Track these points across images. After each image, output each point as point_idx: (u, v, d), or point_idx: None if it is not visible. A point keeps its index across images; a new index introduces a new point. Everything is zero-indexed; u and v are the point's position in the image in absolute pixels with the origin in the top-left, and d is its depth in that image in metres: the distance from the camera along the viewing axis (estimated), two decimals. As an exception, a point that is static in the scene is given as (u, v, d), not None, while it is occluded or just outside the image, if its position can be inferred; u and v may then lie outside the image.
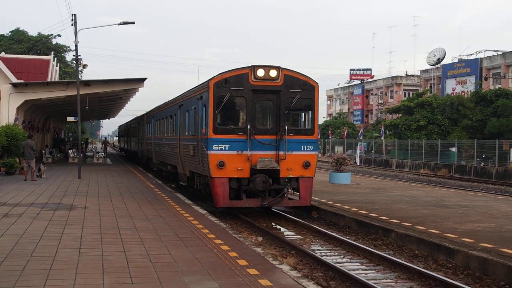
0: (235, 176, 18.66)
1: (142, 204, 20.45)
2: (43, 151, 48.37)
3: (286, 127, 19.07)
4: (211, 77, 19.26)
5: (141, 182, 30.81)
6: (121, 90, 45.44)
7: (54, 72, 57.11)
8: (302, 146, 19.54)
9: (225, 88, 18.50)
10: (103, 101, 53.44)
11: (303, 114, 21.04)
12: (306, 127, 20.65)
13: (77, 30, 34.34)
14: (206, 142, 18.94)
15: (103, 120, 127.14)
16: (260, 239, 15.93)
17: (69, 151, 56.75)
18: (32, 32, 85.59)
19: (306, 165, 19.25)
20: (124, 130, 74.76)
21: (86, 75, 56.07)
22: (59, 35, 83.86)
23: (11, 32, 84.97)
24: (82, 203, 20.39)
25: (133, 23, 36.65)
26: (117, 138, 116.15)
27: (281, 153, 19.10)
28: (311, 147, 19.85)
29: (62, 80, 51.25)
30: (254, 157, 18.70)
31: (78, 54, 37.08)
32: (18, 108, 38.61)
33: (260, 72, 18.79)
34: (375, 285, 11.04)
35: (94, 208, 19.03)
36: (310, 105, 20.17)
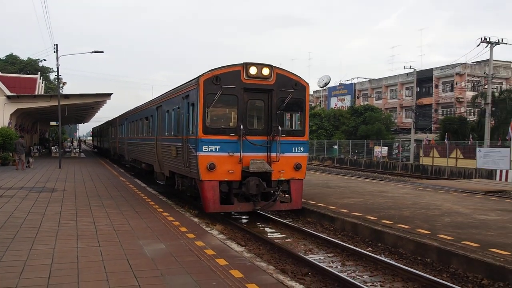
0: (226, 179, 13.67)
1: (108, 187, 20.09)
2: (31, 147, 47.42)
3: (279, 128, 14.13)
4: (200, 74, 13.96)
5: (108, 171, 30.20)
6: (93, 101, 44.91)
7: (40, 88, 56.59)
8: (294, 148, 14.68)
9: (215, 85, 13.52)
10: (79, 110, 52.33)
11: (294, 115, 15.89)
12: (297, 128, 15.53)
13: (58, 56, 34.43)
14: (194, 143, 13.81)
15: (79, 124, 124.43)
16: (196, 212, 15.92)
17: (52, 147, 56.17)
18: (23, 56, 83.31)
19: (297, 167, 14.49)
20: (97, 131, 71.11)
21: (65, 90, 54.78)
22: (44, 60, 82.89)
23: (6, 56, 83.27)
24: (62, 187, 19.94)
25: (102, 52, 36.30)
26: (91, 138, 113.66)
27: (273, 154, 14.13)
28: (302, 149, 14.90)
29: (47, 94, 49.81)
30: (245, 159, 13.72)
31: (59, 74, 38.40)
32: (11, 115, 38.02)
33: (253, 70, 13.86)
34: (278, 242, 11.21)
35: (71, 190, 18.59)
36: (301, 105, 15.13)
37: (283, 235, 13.18)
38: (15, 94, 38.91)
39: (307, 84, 15.05)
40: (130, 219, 12.35)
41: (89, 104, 46.51)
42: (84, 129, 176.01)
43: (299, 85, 14.63)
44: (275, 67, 14.24)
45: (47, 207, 14.23)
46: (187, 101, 14.87)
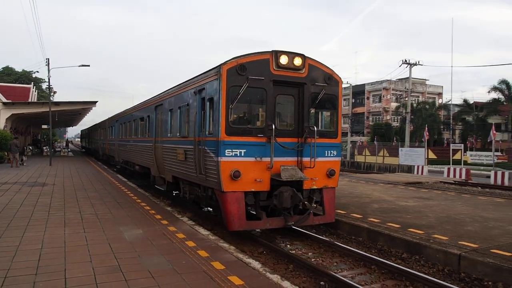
0: (252, 190, 9.80)
1: (93, 181, 19.54)
2: (25, 147, 45.84)
3: (315, 129, 10.31)
4: (222, 62, 9.81)
5: (94, 168, 29.40)
6: (80, 108, 43.94)
7: (33, 96, 55.02)
8: (326, 151, 10.82)
9: (241, 76, 9.63)
10: (68, 115, 50.84)
11: (326, 113, 11.83)
12: (330, 128, 11.38)
13: (50, 69, 34.20)
14: (214, 146, 9.78)
15: (68, 127, 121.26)
16: (169, 202, 15.68)
17: (44, 147, 54.57)
18: (18, 68, 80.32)
19: (331, 173, 10.74)
20: (86, 133, 67.37)
21: (56, 98, 53.07)
22: (37, 72, 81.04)
23: (2, 68, 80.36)
24: (52, 181, 19.25)
25: (88, 65, 35.53)
26: (79, 139, 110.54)
27: (306, 159, 10.30)
28: (335, 152, 11.05)
29: (39, 101, 48.22)
30: (275, 165, 9.84)
31: (50, 84, 38.20)
32: (7, 119, 36.75)
33: (284, 59, 10.01)
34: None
35: (60, 185, 17.97)
36: (335, 103, 11.25)
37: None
38: (10, 101, 37.82)
39: (340, 78, 11.25)
40: (112, 208, 12.04)
41: (77, 110, 45.35)
42: (72, 132, 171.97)
43: (332, 79, 10.90)
44: (307, 57, 10.47)
45: (38, 199, 13.71)
46: (201, 96, 10.88)
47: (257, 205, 10.00)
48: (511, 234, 9.53)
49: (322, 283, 7.35)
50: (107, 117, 34.73)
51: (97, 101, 41.49)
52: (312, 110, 10.87)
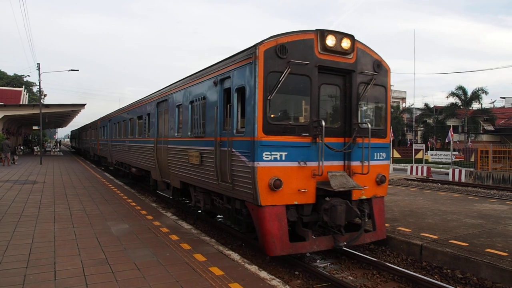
0: (295, 202, 7.50)
1: (82, 179, 19.18)
2: (16, 147, 44.62)
3: (369, 126, 8.07)
4: (257, 42, 7.41)
5: (83, 167, 28.88)
6: (69, 110, 42.86)
7: (24, 98, 53.90)
8: (376, 154, 8.47)
9: (281, 60, 7.29)
10: (58, 117, 49.66)
11: (374, 107, 9.04)
12: (379, 126, 8.80)
13: (40, 73, 33.98)
14: (248, 148, 7.42)
15: (58, 128, 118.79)
16: (154, 198, 15.53)
17: (35, 147, 53.37)
18: (10, 72, 78.29)
19: (381, 180, 8.36)
20: (76, 134, 65.15)
21: (46, 101, 51.93)
22: (28, 76, 78.60)
23: (-6, 72, 77.72)
24: (42, 179, 18.82)
25: (78, 70, 35.34)
26: (68, 139, 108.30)
27: (354, 164, 8.04)
28: (384, 155, 8.66)
29: (30, 104, 47.27)
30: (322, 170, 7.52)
31: (41, 87, 37.67)
32: (-1, 120, 35.30)
33: (331, 40, 7.71)
34: (221, 223, 11.11)
35: (50, 182, 17.59)
36: (384, 95, 8.76)
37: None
38: (2, 103, 36.83)
39: (389, 67, 8.80)
40: (100, 205, 11.85)
41: (66, 112, 44.37)
42: (62, 132, 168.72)
43: (382, 67, 8.56)
44: (356, 39, 8.11)
45: (29, 196, 13.40)
46: (223, 87, 8.40)
47: (299, 221, 7.67)
48: (467, 226, 9.78)
49: (296, 272, 7.41)
50: (97, 118, 33.66)
51: (85, 104, 40.77)
52: (360, 103, 8.37)
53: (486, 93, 52.16)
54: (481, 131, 58.41)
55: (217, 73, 8.73)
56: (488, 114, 57.66)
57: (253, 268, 6.35)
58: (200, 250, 7.20)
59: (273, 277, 6.01)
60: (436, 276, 7.37)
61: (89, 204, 11.98)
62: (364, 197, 8.18)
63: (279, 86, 7.17)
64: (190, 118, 10.40)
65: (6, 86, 65.37)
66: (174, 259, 6.66)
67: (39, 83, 35.25)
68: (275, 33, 7.47)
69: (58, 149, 62.05)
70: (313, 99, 7.65)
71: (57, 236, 8.01)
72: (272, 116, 7.35)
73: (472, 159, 30.81)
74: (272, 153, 7.18)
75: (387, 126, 8.86)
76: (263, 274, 6.09)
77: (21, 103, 46.60)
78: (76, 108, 42.25)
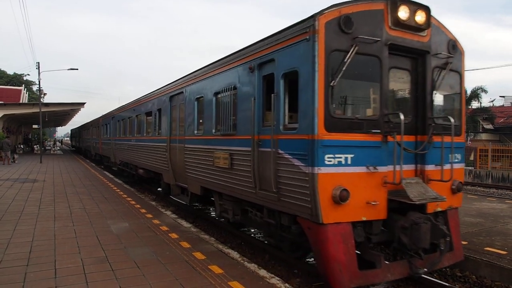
0: (364, 218, 5.73)
1: (81, 178, 19.21)
2: (16, 146, 44.63)
3: (452, 122, 6.35)
4: (315, 12, 5.57)
5: (82, 165, 28.91)
6: (69, 109, 43.01)
7: (24, 97, 54.03)
8: (450, 155, 6.45)
9: (346, 36, 5.50)
10: (57, 115, 49.66)
11: (448, 98, 7.18)
12: (453, 122, 6.41)
13: (40, 72, 34.13)
14: (304, 149, 5.67)
15: (58, 127, 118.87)
16: (153, 197, 15.52)
17: (35, 146, 53.46)
18: (10, 71, 78.31)
19: (458, 188, 6.72)
20: (76, 132, 62.08)
21: (46, 99, 51.59)
22: (28, 75, 78.95)
23: (-6, 71, 77.82)
24: (42, 178, 18.85)
25: (77, 69, 35.58)
26: (67, 138, 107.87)
27: (429, 168, 6.42)
28: (460, 156, 6.93)
29: (30, 102, 47.38)
30: (392, 176, 5.82)
31: (41, 86, 38.19)
32: (-1, 119, 35.37)
33: (404, 12, 5.90)
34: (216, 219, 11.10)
35: (50, 181, 17.62)
36: (458, 83, 7.05)
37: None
38: (2, 102, 37.02)
39: (463, 49, 7.14)
40: (100, 203, 11.87)
41: (66, 111, 44.43)
42: (62, 131, 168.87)
43: (457, 49, 6.92)
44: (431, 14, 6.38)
45: (29, 194, 13.42)
46: (262, 72, 6.86)
47: (367, 242, 6.18)
48: (466, 225, 9.73)
49: (295, 271, 7.43)
50: (97, 116, 33.21)
51: (85, 103, 40.93)
52: (435, 92, 6.70)
53: (486, 91, 52.18)
54: (481, 130, 58.52)
55: (254, 56, 7.12)
56: (487, 113, 57.71)
57: (253, 266, 6.37)
58: (200, 248, 7.22)
59: (273, 275, 6.04)
60: (435, 275, 7.40)
61: (89, 202, 11.99)
62: (439, 209, 6.50)
63: (344, 69, 5.56)
64: (215, 113, 8.85)
65: (6, 85, 65.46)
66: (174, 257, 6.68)
67: (39, 82, 35.59)
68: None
69: (58, 147, 62.15)
70: (383, 87, 6.04)
71: (57, 234, 8.03)
72: (335, 108, 5.79)
73: (472, 157, 30.83)
74: (336, 155, 5.61)
75: (462, 121, 7.21)
76: (263, 272, 6.11)
77: (21, 102, 46.67)
78: (75, 107, 42.35)
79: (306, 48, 5.69)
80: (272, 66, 6.63)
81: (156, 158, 13.38)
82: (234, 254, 7.00)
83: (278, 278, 5.90)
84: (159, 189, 14.96)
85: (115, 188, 15.63)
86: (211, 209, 13.01)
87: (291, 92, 6.29)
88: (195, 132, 10.01)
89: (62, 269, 5.97)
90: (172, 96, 12.02)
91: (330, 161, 5.57)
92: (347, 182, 5.62)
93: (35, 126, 49.35)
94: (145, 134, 15.56)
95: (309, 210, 5.65)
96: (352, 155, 5.71)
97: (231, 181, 7.95)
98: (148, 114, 15.10)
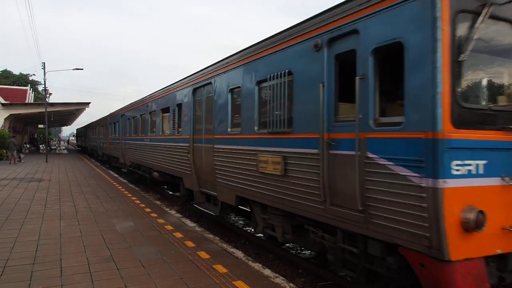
0: (498, 252, 3.92)
1: (86, 177, 19.29)
2: (22, 146, 44.96)
3: None
4: None
5: (87, 165, 29.03)
6: (74, 109, 43.29)
7: (30, 97, 54.40)
8: None
9: None
10: (62, 115, 49.93)
11: None
12: None
13: (45, 72, 34.29)
14: (417, 152, 3.93)
15: (63, 127, 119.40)
16: (158, 196, 15.55)
17: (40, 145, 53.76)
18: (16, 71, 79.02)
19: None
20: (82, 132, 60.28)
21: (51, 99, 51.82)
22: (33, 75, 79.63)
23: (1, 71, 78.63)
24: (48, 177, 18.96)
25: (82, 69, 35.82)
26: (73, 138, 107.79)
27: None
28: None
29: (35, 102, 47.74)
30: None
31: (46, 86, 37.80)
32: (5, 119, 35.93)
33: None
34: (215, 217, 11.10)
35: (55, 180, 17.71)
36: None
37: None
38: (8, 102, 37.28)
39: None
40: (105, 202, 11.92)
41: (71, 111, 44.68)
42: (67, 131, 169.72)
43: None
44: None
45: (35, 194, 13.50)
46: (336, 50, 5.36)
47: (499, 284, 4.66)
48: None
49: (300, 270, 7.43)
50: (102, 116, 33.03)
51: (89, 102, 41.11)
52: None
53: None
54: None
55: (320, 30, 5.60)
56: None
57: (257, 265, 6.38)
58: (204, 248, 7.23)
59: (277, 275, 6.04)
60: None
61: (94, 201, 12.05)
62: None
63: (474, 38, 4.08)
64: (258, 106, 7.28)
65: (12, 85, 65.88)
66: (179, 257, 6.69)
67: (44, 82, 35.88)
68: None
69: (63, 146, 62.45)
70: None
71: (63, 233, 8.07)
72: (464, 94, 4.30)
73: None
74: (466, 162, 4.05)
75: None
76: (267, 272, 6.11)
77: (26, 102, 46.93)
78: (80, 107, 42.60)
79: (418, 9, 4.14)
80: (353, 40, 5.02)
81: (175, 160, 11.83)
82: (239, 254, 7.01)
83: (282, 278, 5.90)
84: (178, 193, 14.05)
85: (120, 187, 15.69)
86: (241, 221, 11.50)
87: (386, 74, 4.96)
88: (229, 130, 8.32)
89: (68, 268, 6.00)
90: (196, 89, 10.33)
91: (459, 170, 3.99)
92: (481, 200, 4.08)
93: (40, 126, 49.66)
94: (161, 133, 13.83)
95: (426, 240, 4.02)
96: (484, 162, 4.17)
97: (284, 192, 6.35)
98: (165, 110, 13.42)
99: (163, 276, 5.75)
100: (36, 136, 72.52)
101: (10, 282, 5.43)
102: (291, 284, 5.69)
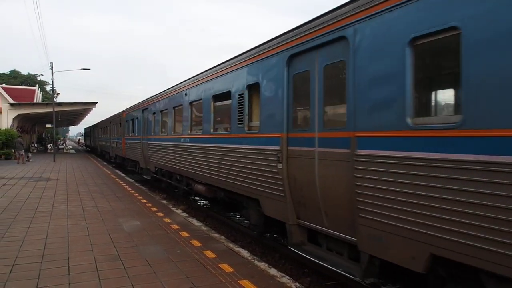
0: None
1: (94, 176, 19.38)
2: (30, 145, 45.34)
3: None
4: None
5: (94, 164, 29.15)
6: (81, 108, 43.52)
7: (38, 97, 54.61)
8: None
9: None
10: (70, 115, 50.27)
11: None
12: None
13: (53, 72, 34.55)
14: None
15: (71, 126, 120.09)
16: (164, 195, 15.57)
17: (48, 145, 54.14)
18: (24, 72, 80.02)
19: None
20: (91, 131, 56.32)
21: (59, 99, 51.84)
22: (41, 75, 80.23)
23: (10, 71, 79.68)
24: (55, 176, 19.07)
25: (89, 69, 35.99)
26: (80, 137, 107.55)
27: None
28: None
29: (43, 102, 48.09)
30: None
31: (54, 86, 38.60)
32: (13, 119, 36.35)
33: None
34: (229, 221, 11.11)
35: (63, 179, 17.81)
36: None
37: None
38: (17, 102, 37.59)
39: None
40: (112, 201, 11.96)
41: (78, 110, 44.94)
42: (74, 130, 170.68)
43: None
44: None
45: (43, 193, 13.58)
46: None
47: None
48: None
49: (306, 270, 7.41)
50: (135, 103, 23.88)
51: (96, 102, 41.37)
52: None
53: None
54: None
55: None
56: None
57: (263, 265, 6.36)
58: (210, 247, 7.23)
59: (283, 274, 6.02)
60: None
61: (101, 201, 12.10)
62: None
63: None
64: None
65: (21, 85, 66.38)
66: (185, 256, 6.70)
67: (52, 82, 36.28)
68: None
69: (70, 146, 62.81)
70: None
71: (70, 232, 8.11)
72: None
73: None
74: None
75: None
76: (273, 271, 6.10)
77: (34, 101, 47.20)
78: (87, 107, 42.86)
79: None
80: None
81: (243, 171, 8.10)
82: (245, 253, 7.00)
83: (288, 277, 5.88)
84: (245, 220, 10.45)
85: (127, 186, 15.74)
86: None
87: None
88: (408, 121, 4.38)
89: (75, 266, 6.03)
90: (294, 56, 6.56)
91: None
92: None
93: (48, 126, 50.00)
94: (212, 131, 9.87)
95: None
96: None
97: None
98: (221, 97, 9.55)
99: (170, 275, 5.76)
100: (44, 136, 73.07)
101: (18, 280, 5.46)
102: (297, 284, 5.67)
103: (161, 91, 15.59)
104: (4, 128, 33.71)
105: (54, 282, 5.39)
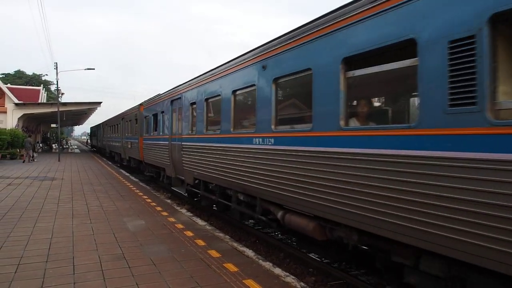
0: None
1: (98, 176, 19.42)
2: (35, 145, 45.54)
3: None
4: None
5: (99, 164, 29.23)
6: (86, 108, 43.71)
7: (42, 97, 54.85)
8: None
9: None
10: (75, 114, 50.52)
11: None
12: None
13: (58, 72, 34.61)
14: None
15: (75, 126, 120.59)
16: (169, 195, 15.58)
17: (53, 145, 54.40)
18: (29, 72, 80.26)
19: None
20: (96, 130, 53.47)
21: (63, 99, 52.33)
22: (46, 75, 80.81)
23: (15, 71, 79.88)
24: (60, 176, 19.13)
25: (94, 69, 35.86)
26: (85, 137, 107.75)
27: None
28: None
29: (48, 102, 48.21)
30: None
31: (59, 86, 38.15)
32: (19, 119, 36.53)
33: None
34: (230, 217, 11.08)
35: (68, 179, 17.86)
36: None
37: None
38: (22, 102, 37.79)
39: None
40: (116, 201, 11.97)
41: (83, 110, 45.10)
42: (79, 130, 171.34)
43: None
44: None
45: (48, 192, 13.61)
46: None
47: None
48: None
49: (310, 269, 7.38)
50: (153, 96, 19.06)
51: (101, 102, 41.44)
52: None
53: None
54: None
55: None
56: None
57: (267, 264, 6.33)
58: (215, 246, 7.21)
59: (288, 273, 5.99)
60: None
61: (106, 200, 12.11)
62: None
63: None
64: None
65: (25, 85, 66.70)
66: (189, 255, 6.68)
67: (57, 82, 36.28)
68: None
69: (75, 146, 63.06)
70: None
71: (75, 232, 8.11)
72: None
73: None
74: None
75: None
76: (278, 270, 6.07)
77: (39, 101, 47.43)
78: (92, 106, 42.97)
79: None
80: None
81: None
82: (249, 252, 6.97)
83: (293, 277, 5.85)
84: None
85: (131, 186, 15.76)
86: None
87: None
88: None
89: (80, 266, 6.03)
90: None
91: None
92: None
93: (53, 125, 50.26)
94: (342, 126, 5.42)
95: None
96: None
97: None
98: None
99: (174, 275, 5.74)
100: (49, 136, 73.35)
101: (24, 279, 5.46)
102: (302, 283, 5.64)
103: (207, 70, 10.80)
104: (9, 128, 33.89)
105: (59, 282, 5.39)
